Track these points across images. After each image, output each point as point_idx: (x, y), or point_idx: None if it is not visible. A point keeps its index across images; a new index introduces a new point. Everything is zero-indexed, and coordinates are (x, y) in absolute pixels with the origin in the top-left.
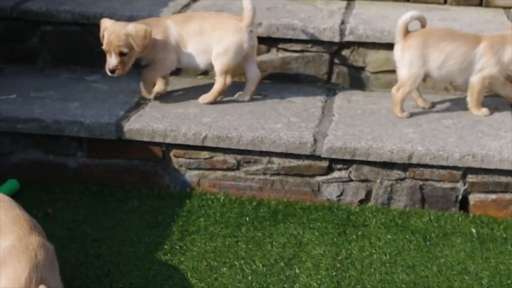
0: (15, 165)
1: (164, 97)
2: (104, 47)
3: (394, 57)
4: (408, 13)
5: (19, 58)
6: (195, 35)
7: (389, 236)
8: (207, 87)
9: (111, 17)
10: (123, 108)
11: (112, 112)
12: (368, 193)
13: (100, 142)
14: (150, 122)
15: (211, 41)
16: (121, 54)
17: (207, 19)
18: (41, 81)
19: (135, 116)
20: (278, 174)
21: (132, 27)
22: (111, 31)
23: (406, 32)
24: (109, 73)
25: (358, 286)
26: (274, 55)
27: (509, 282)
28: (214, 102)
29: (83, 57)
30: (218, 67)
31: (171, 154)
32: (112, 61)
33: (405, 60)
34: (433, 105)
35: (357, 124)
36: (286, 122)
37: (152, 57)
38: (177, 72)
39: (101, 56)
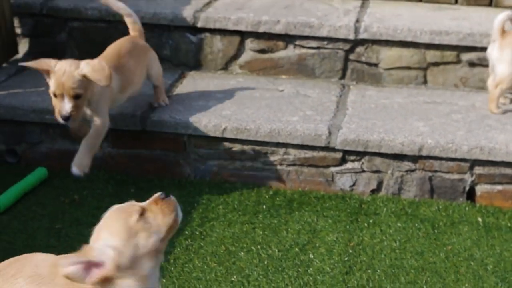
0: (44, 154)
1: (186, 91)
2: (53, 90)
3: (490, 55)
4: (505, 12)
5: (48, 52)
6: (136, 69)
7: (399, 224)
8: (227, 82)
9: (136, 14)
10: (146, 101)
11: (136, 104)
12: (380, 184)
13: (125, 133)
14: (172, 114)
15: (143, 65)
16: (76, 97)
17: (127, 46)
18: None
19: (158, 108)
20: (294, 164)
21: (86, 65)
22: (61, 72)
23: (503, 31)
24: (61, 121)
25: (369, 271)
26: (291, 52)
27: None
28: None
29: None
30: (160, 84)
31: (192, 145)
32: (65, 105)
33: (505, 58)
34: (443, 100)
35: (370, 117)
36: (302, 115)
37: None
38: (197, 67)
39: None
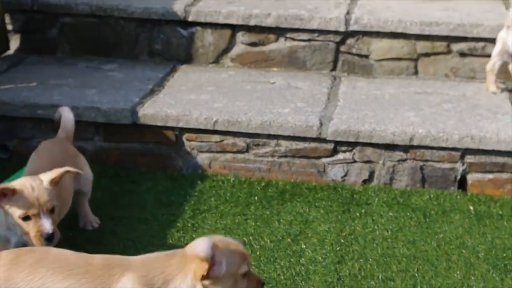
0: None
1: (177, 84)
2: (24, 212)
3: (504, 40)
4: None
5: (39, 48)
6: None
7: (390, 214)
8: (219, 75)
9: (126, 9)
10: (138, 95)
11: (127, 98)
12: (371, 174)
13: (116, 127)
14: (163, 108)
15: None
16: (52, 211)
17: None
18: (60, 70)
19: (149, 102)
20: (285, 156)
21: (49, 176)
22: (29, 188)
23: None
24: (43, 244)
25: (361, 260)
26: (282, 44)
27: (504, 255)
28: None
29: (100, 47)
30: (90, 189)
31: (184, 137)
32: (45, 223)
33: None
34: (433, 90)
35: (361, 108)
36: (293, 107)
37: None
38: (189, 61)
39: (117, 47)
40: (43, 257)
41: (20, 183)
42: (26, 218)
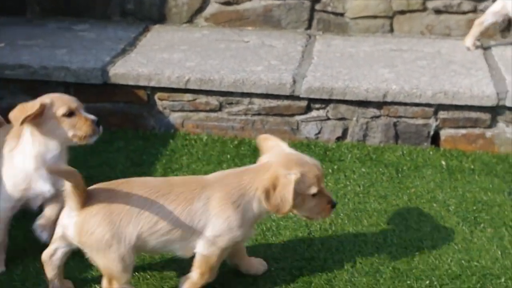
0: (5, 110)
1: (149, 44)
2: (68, 108)
3: (505, 4)
4: None
5: (8, 9)
6: None
7: (363, 170)
8: (192, 35)
9: None
10: (109, 54)
11: (98, 58)
12: (345, 131)
13: (87, 87)
14: (135, 67)
15: None
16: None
17: None
18: (30, 31)
19: (121, 61)
20: (259, 114)
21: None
22: (58, 96)
23: None
24: (94, 128)
25: (332, 215)
26: (257, 3)
27: (474, 208)
28: None
29: (71, 7)
30: None
31: (156, 97)
32: (88, 114)
33: None
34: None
35: (336, 66)
36: (267, 65)
37: None
38: (162, 20)
39: (89, 7)
40: (134, 185)
41: (44, 97)
42: (70, 114)
